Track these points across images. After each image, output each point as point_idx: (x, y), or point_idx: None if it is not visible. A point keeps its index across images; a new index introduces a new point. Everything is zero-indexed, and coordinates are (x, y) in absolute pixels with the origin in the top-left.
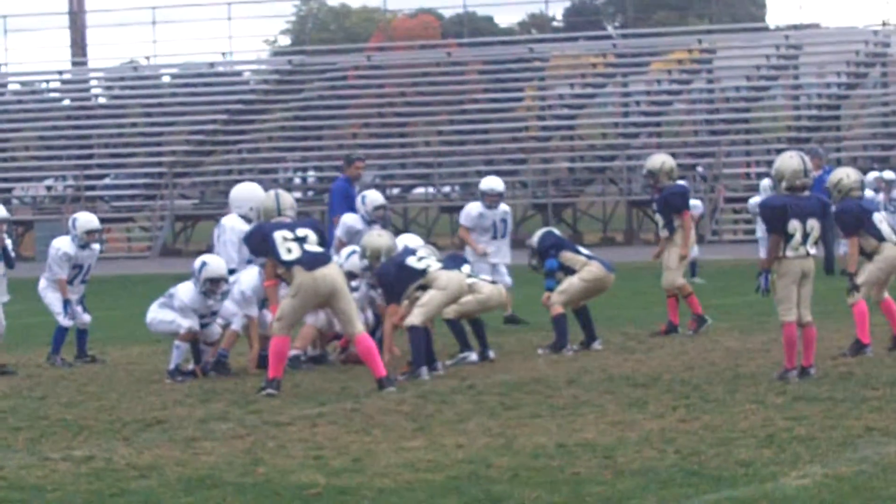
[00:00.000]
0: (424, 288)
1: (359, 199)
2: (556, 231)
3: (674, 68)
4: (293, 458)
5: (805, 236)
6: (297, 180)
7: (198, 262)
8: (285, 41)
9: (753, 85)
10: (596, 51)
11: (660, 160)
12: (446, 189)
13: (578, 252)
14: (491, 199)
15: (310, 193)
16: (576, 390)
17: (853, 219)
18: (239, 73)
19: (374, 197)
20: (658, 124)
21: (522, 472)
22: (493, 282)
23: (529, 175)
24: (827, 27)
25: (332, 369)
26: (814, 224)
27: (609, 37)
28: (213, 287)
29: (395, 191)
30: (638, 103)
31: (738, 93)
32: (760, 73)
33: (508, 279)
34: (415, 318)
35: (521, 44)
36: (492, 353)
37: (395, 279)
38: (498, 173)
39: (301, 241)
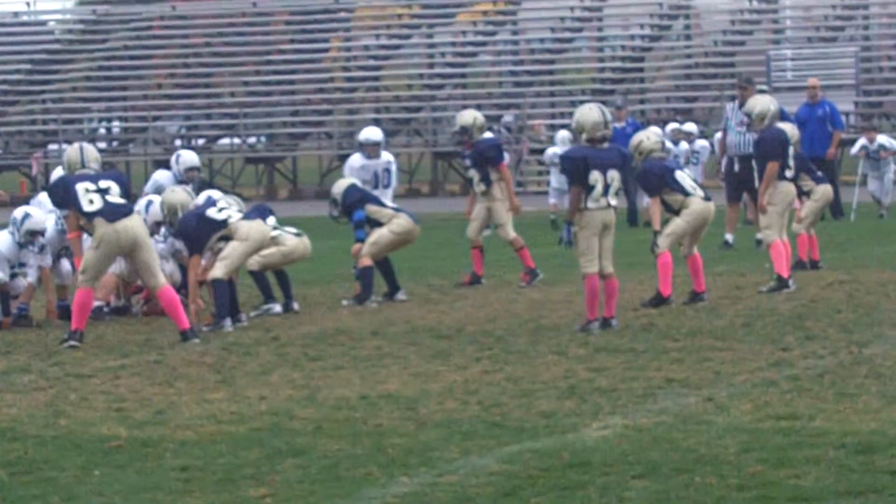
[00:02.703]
0: (227, 239)
1: (173, 158)
2: (359, 183)
3: (479, 20)
4: (95, 411)
5: (606, 187)
6: (102, 130)
7: (19, 212)
8: None
9: (558, 37)
10: (402, 2)
11: (471, 116)
12: (252, 140)
13: (383, 205)
14: (371, 150)
15: (114, 144)
16: (379, 342)
17: (655, 179)
18: (44, 23)
19: (188, 157)
20: (463, 76)
21: (325, 423)
22: (299, 234)
23: (335, 126)
24: None
25: (136, 321)
26: (614, 175)
27: None
28: (31, 239)
29: (201, 141)
30: (443, 54)
31: (542, 44)
32: (565, 25)
33: None
34: (217, 270)
35: None
36: (296, 305)
37: (195, 231)
38: (304, 124)
39: (103, 192)
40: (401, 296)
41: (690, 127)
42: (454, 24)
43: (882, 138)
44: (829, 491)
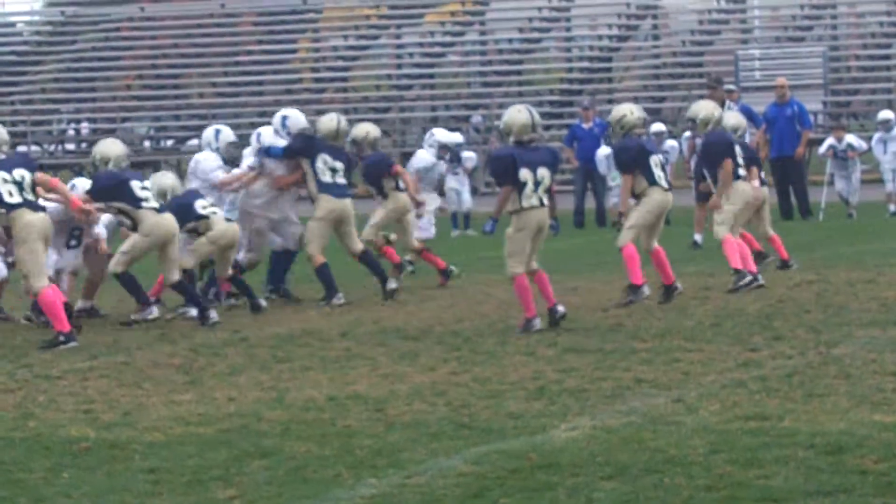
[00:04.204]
0: (197, 232)
1: (211, 133)
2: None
3: (447, 20)
4: (63, 412)
5: (536, 184)
6: (71, 132)
7: None
8: None
9: (526, 37)
10: (369, 2)
11: (364, 130)
12: None
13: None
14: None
15: (83, 145)
16: (348, 343)
17: (631, 157)
18: (12, 25)
19: (227, 133)
20: (432, 76)
21: (293, 425)
22: (229, 219)
23: None
24: None
25: (105, 323)
26: (544, 173)
27: None
28: None
29: (169, 142)
30: (411, 55)
31: (510, 45)
32: (533, 26)
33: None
34: (117, 265)
35: None
36: (263, 302)
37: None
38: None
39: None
40: (391, 284)
41: (659, 127)
42: (422, 24)
43: (850, 138)
44: (799, 491)
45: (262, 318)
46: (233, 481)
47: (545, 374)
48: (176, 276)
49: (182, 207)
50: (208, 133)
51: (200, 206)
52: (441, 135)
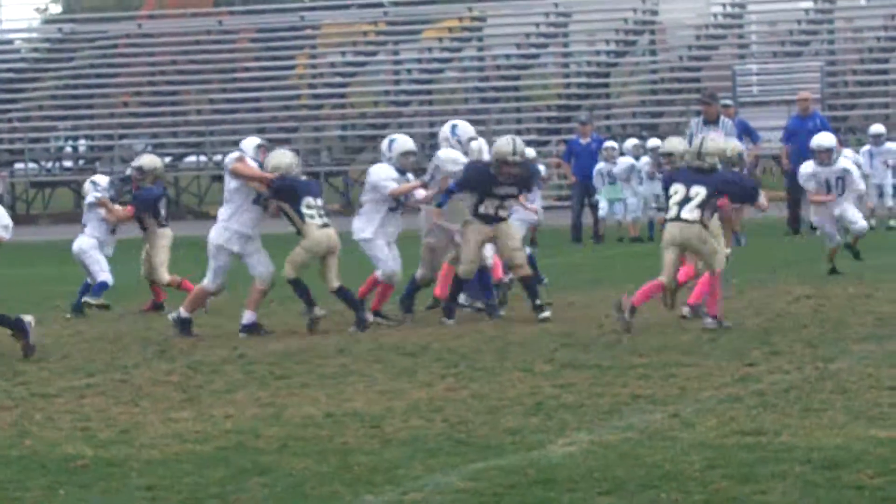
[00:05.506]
0: None
1: (385, 144)
2: None
3: (445, 36)
4: (60, 430)
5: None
6: (69, 149)
7: None
8: (56, 9)
9: (523, 53)
10: (367, 18)
11: (153, 161)
12: (218, 157)
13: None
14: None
15: (81, 162)
16: (345, 360)
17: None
18: (10, 42)
19: (402, 141)
20: (429, 92)
21: (291, 442)
22: (326, 225)
23: (301, 143)
24: None
25: (101, 339)
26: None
27: (380, 4)
28: None
29: (167, 159)
30: (409, 71)
31: (508, 60)
32: (530, 41)
33: None
34: (288, 272)
35: (293, 11)
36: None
37: None
38: (270, 142)
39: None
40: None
41: (656, 142)
42: (420, 40)
43: (848, 153)
44: None
45: (260, 335)
46: (230, 499)
47: (542, 389)
48: (335, 283)
49: (291, 190)
50: (383, 143)
51: (306, 204)
52: (467, 128)
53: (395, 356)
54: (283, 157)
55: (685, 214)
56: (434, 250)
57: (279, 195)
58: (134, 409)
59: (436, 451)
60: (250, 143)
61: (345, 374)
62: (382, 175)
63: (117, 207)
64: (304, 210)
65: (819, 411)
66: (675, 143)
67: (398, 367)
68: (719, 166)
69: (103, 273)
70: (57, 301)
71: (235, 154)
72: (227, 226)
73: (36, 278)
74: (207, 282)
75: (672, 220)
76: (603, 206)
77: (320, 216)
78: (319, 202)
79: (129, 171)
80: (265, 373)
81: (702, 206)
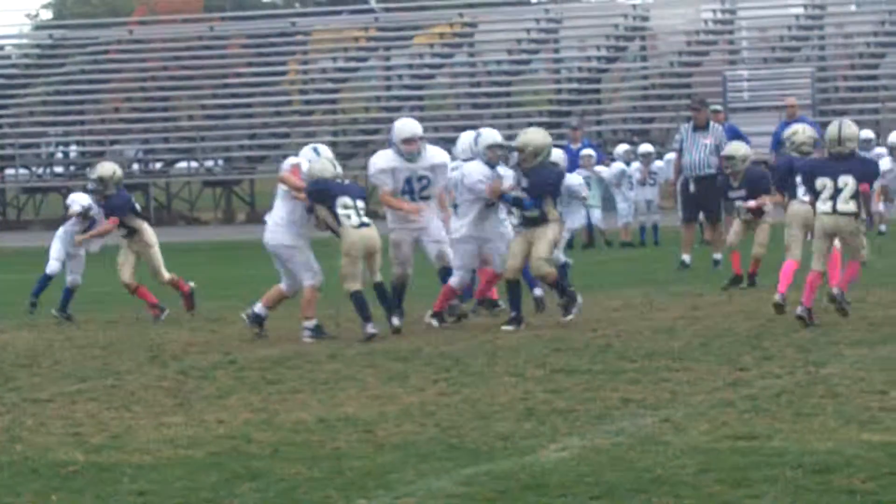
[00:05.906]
0: None
1: (472, 137)
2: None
3: (436, 42)
4: (52, 436)
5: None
6: (60, 154)
7: None
8: (47, 15)
9: (514, 58)
10: (358, 24)
11: (111, 168)
12: (209, 163)
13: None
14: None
15: (72, 168)
16: (337, 365)
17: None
18: (1, 48)
19: (489, 134)
20: (420, 98)
21: (283, 447)
22: (364, 224)
23: (292, 149)
24: (588, 1)
25: (92, 345)
26: None
27: (371, 10)
28: None
29: (158, 165)
30: (400, 77)
31: (499, 66)
32: (521, 47)
33: None
34: (346, 284)
35: (284, 17)
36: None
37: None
38: (261, 147)
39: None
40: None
41: (647, 148)
42: (411, 46)
43: None
44: None
45: (252, 340)
46: None
47: (534, 394)
48: (377, 278)
49: (325, 192)
50: (465, 139)
51: (342, 204)
52: (490, 135)
53: (387, 361)
54: (323, 171)
55: (840, 206)
56: (399, 245)
57: (315, 199)
58: (126, 415)
59: (428, 456)
60: (306, 153)
61: (337, 379)
62: (476, 176)
63: (103, 226)
64: (340, 211)
65: (811, 416)
66: (737, 147)
67: (390, 371)
68: (858, 151)
69: (51, 261)
70: (50, 307)
71: (293, 160)
72: (283, 224)
73: (27, 284)
74: (305, 283)
75: (827, 213)
76: (596, 213)
77: (358, 216)
78: (360, 203)
79: (90, 186)
80: (257, 378)
81: (855, 196)
